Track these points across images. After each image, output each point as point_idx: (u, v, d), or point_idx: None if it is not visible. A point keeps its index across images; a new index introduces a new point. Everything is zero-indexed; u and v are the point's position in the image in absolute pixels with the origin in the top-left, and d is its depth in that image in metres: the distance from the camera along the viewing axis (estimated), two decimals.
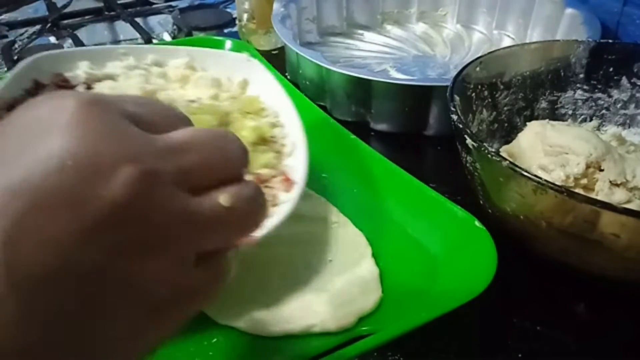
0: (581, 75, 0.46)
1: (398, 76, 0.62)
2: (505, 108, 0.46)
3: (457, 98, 0.38)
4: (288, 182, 0.34)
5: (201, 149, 0.19)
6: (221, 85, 0.43)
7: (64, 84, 0.40)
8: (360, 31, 0.73)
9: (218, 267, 0.20)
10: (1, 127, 0.17)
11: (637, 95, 0.46)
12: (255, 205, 0.20)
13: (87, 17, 0.82)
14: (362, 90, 0.52)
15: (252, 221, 0.20)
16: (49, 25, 0.77)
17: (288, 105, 0.41)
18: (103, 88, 0.40)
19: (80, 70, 0.42)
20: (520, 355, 0.32)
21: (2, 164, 0.16)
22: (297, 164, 0.36)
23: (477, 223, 0.36)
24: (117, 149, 0.16)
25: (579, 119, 0.48)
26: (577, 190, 0.36)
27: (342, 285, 0.35)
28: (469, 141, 0.34)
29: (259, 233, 0.22)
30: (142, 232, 0.16)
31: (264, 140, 0.38)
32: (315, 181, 0.45)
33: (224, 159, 0.19)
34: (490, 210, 0.37)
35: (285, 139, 0.39)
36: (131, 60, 0.43)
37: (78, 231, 0.15)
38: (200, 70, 0.43)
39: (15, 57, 0.68)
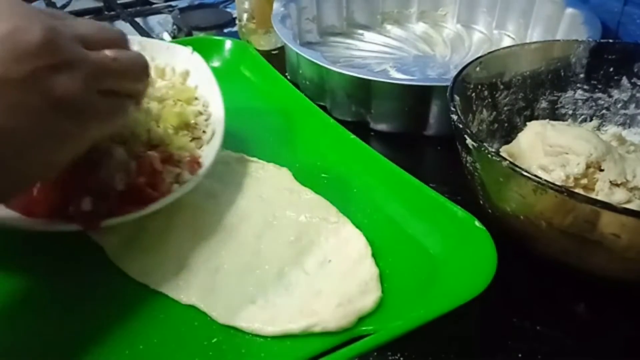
0: (581, 75, 0.46)
1: (398, 76, 0.62)
2: (505, 108, 0.46)
3: (457, 98, 0.38)
4: (195, 165, 0.40)
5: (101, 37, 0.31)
6: (165, 74, 0.48)
7: None
8: (360, 31, 0.73)
9: (115, 102, 0.31)
10: None
11: (638, 95, 0.46)
12: (136, 59, 0.32)
13: (86, 17, 0.82)
14: (362, 90, 0.52)
15: (135, 70, 0.32)
16: None
17: (218, 98, 0.46)
18: None
19: None
20: (520, 355, 0.32)
21: None
22: (208, 153, 0.41)
23: (477, 223, 0.36)
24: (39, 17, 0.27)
25: (579, 119, 0.48)
26: (577, 191, 0.36)
27: (341, 285, 0.35)
28: (469, 141, 0.34)
29: (159, 205, 0.35)
30: (51, 60, 0.27)
31: (186, 126, 0.43)
32: (316, 181, 0.45)
33: (114, 40, 0.32)
34: (490, 210, 0.37)
35: (207, 127, 0.44)
36: None
37: (11, 59, 0.25)
38: (149, 59, 0.45)
39: None
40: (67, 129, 0.28)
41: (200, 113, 0.45)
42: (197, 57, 0.49)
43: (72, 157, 0.30)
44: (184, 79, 0.48)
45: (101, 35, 0.31)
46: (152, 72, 0.43)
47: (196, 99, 0.46)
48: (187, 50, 0.50)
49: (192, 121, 0.43)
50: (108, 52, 0.30)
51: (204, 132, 0.44)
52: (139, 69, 0.33)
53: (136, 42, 0.49)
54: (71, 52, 0.28)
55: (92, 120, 0.30)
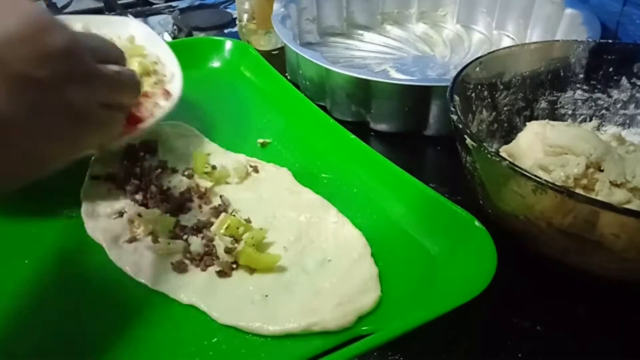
0: (581, 76, 0.46)
1: (398, 76, 0.62)
2: (505, 108, 0.46)
3: (456, 98, 0.38)
4: (167, 95, 0.48)
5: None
6: (114, 41, 0.52)
7: None
8: (360, 31, 0.73)
9: (113, 114, 0.34)
10: None
11: (637, 95, 0.46)
12: (132, 76, 0.35)
13: None
14: (362, 90, 0.52)
15: (132, 86, 0.35)
16: None
17: (167, 50, 0.54)
18: None
19: None
20: (520, 355, 0.32)
21: None
22: (174, 86, 0.49)
23: (477, 223, 0.36)
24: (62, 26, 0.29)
25: (579, 119, 0.48)
26: (577, 191, 0.36)
27: (341, 285, 0.35)
28: (468, 141, 0.34)
29: (147, 124, 0.44)
30: (70, 68, 0.29)
31: (148, 73, 0.51)
32: (316, 181, 0.45)
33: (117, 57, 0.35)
34: (490, 210, 0.37)
35: (165, 72, 0.52)
36: None
37: (36, 58, 0.27)
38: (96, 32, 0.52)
39: None
40: (70, 133, 0.31)
41: (155, 63, 0.53)
42: (139, 23, 0.58)
43: (62, 161, 0.33)
44: (131, 42, 0.55)
45: (107, 50, 0.34)
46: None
47: (147, 54, 0.54)
48: (128, 18, 0.59)
49: (152, 69, 0.52)
50: (114, 67, 0.33)
51: (164, 75, 0.52)
52: (134, 85, 0.36)
53: (79, 20, 0.55)
54: (87, 64, 0.30)
55: (93, 129, 0.33)
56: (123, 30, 0.56)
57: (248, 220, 0.40)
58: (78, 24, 0.54)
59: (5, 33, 0.27)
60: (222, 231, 0.38)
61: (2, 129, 0.27)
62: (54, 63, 0.28)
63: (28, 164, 0.30)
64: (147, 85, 0.49)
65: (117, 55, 0.35)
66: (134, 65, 0.50)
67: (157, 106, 0.47)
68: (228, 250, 0.36)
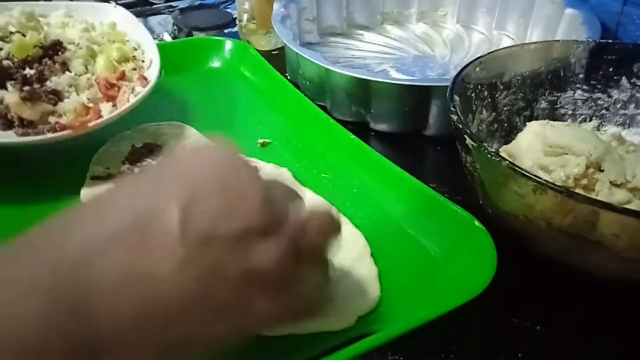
0: (581, 76, 0.46)
1: (398, 76, 0.62)
2: (505, 108, 0.46)
3: (456, 98, 0.38)
4: (144, 80, 0.49)
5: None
6: (94, 27, 0.55)
7: None
8: (360, 31, 0.73)
9: (313, 268, 0.26)
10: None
11: (637, 95, 0.46)
12: (329, 215, 0.27)
13: None
14: (362, 90, 0.52)
15: (330, 230, 0.27)
16: None
17: (148, 37, 0.55)
18: None
19: None
20: (520, 356, 0.32)
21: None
22: (152, 72, 0.50)
23: (477, 223, 0.36)
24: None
25: (579, 119, 0.48)
26: (577, 191, 0.36)
27: (341, 285, 0.35)
28: (468, 141, 0.34)
29: (122, 110, 0.45)
30: (263, 222, 0.23)
31: (127, 59, 0.52)
32: (316, 181, 0.45)
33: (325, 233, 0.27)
34: (490, 210, 0.37)
35: (144, 59, 0.53)
36: (16, 12, 0.52)
37: (235, 214, 0.22)
38: (76, 18, 0.56)
39: None
40: (258, 307, 0.23)
41: (135, 49, 0.54)
42: (121, 10, 0.58)
43: (243, 337, 0.25)
44: (112, 28, 0.56)
45: (293, 196, 0.27)
46: (84, 27, 0.54)
47: (128, 41, 0.55)
48: (110, 5, 0.59)
49: (132, 55, 0.53)
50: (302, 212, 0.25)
51: (143, 61, 0.53)
52: (331, 227, 0.27)
53: (62, 6, 0.56)
54: (281, 215, 0.24)
55: (291, 294, 0.24)
56: (105, 17, 0.57)
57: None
58: (61, 10, 0.55)
59: (197, 182, 0.22)
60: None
61: (176, 305, 0.21)
62: (244, 216, 0.22)
63: (187, 342, 0.22)
64: (125, 70, 0.50)
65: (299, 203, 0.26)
66: (112, 47, 0.52)
67: (133, 92, 0.48)
68: None
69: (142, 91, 0.48)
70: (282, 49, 0.65)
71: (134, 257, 0.21)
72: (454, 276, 0.35)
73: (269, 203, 0.23)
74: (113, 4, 0.59)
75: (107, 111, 0.45)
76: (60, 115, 0.45)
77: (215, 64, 0.64)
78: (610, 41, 0.46)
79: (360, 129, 0.51)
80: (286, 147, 0.50)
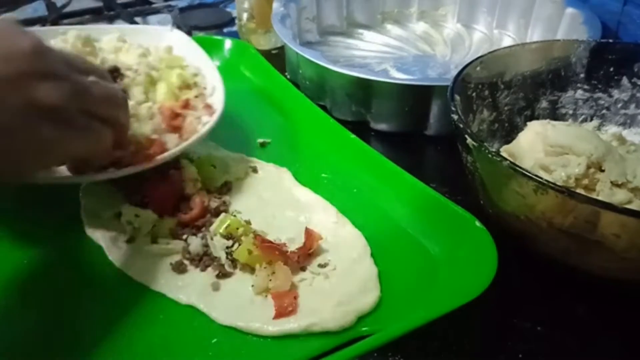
0: (582, 75, 0.46)
1: (398, 76, 0.62)
2: (505, 108, 0.46)
3: (457, 98, 0.38)
4: (209, 108, 0.46)
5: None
6: (149, 52, 0.52)
7: None
8: (361, 31, 0.73)
9: (93, 123, 0.33)
10: None
11: (638, 95, 0.46)
12: (114, 91, 0.35)
13: (86, 16, 0.82)
14: (362, 90, 0.52)
15: (112, 99, 0.35)
16: (48, 25, 0.77)
17: (207, 61, 0.52)
18: None
19: None
20: (520, 356, 0.32)
21: None
22: (216, 100, 0.47)
23: (477, 223, 0.36)
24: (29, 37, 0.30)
25: (580, 119, 0.48)
26: (578, 191, 0.36)
27: (341, 285, 0.35)
28: (469, 141, 0.34)
29: (191, 141, 0.42)
30: (36, 67, 0.29)
31: (188, 86, 0.48)
32: (316, 181, 0.45)
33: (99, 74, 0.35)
34: (490, 210, 0.37)
35: (206, 85, 0.50)
36: (71, 37, 0.49)
37: (1, 56, 0.28)
38: (130, 42, 0.53)
39: None
40: (45, 134, 0.30)
41: (195, 75, 0.50)
42: (178, 33, 0.55)
43: (45, 166, 0.33)
44: (168, 52, 0.53)
45: (87, 64, 0.35)
46: (138, 52, 0.50)
47: (187, 66, 0.51)
48: (166, 28, 0.56)
49: (193, 81, 0.49)
50: (90, 77, 0.33)
51: (204, 88, 0.49)
52: (116, 98, 0.35)
53: (115, 30, 0.54)
54: (57, 67, 0.31)
55: (70, 132, 0.32)
56: (160, 40, 0.53)
57: (248, 222, 0.39)
58: (114, 34, 0.52)
59: None
60: (220, 231, 0.37)
61: None
62: (19, 62, 0.28)
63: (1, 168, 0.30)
64: (186, 97, 0.47)
65: (99, 71, 0.35)
66: (171, 73, 0.48)
67: (200, 122, 0.44)
68: (227, 251, 0.36)
69: (209, 120, 0.44)
70: (281, 48, 0.65)
71: None
72: (454, 276, 0.35)
73: (42, 55, 0.30)
74: (170, 27, 0.57)
75: (173, 143, 0.42)
76: (121, 146, 0.39)
77: (215, 63, 0.64)
78: (610, 41, 0.46)
79: (360, 129, 0.51)
80: (286, 147, 0.50)
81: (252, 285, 0.35)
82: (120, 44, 0.51)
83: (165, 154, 0.40)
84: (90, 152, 0.35)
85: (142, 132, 0.41)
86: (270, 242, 0.37)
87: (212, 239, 0.37)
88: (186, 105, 0.46)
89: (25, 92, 0.29)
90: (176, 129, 0.43)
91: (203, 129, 0.43)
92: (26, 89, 0.29)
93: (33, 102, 0.29)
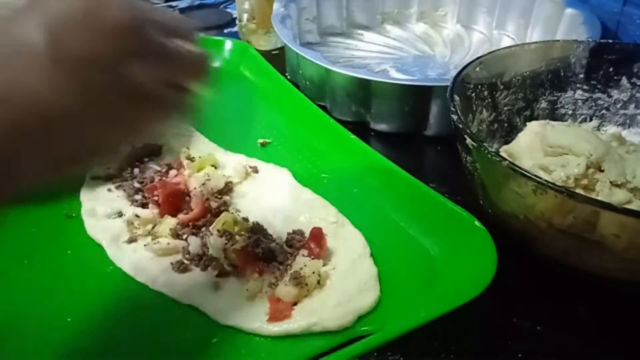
0: (581, 76, 0.46)
1: (398, 76, 0.62)
2: (505, 108, 0.46)
3: (457, 98, 0.38)
4: None
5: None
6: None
7: None
8: (360, 31, 0.73)
9: (177, 96, 0.30)
10: None
11: (637, 95, 0.46)
12: (201, 56, 0.32)
13: None
14: (362, 90, 0.52)
15: (199, 66, 0.31)
16: None
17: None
18: None
19: None
20: (520, 356, 0.32)
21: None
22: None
23: (477, 223, 0.36)
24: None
25: (579, 119, 0.48)
26: (577, 191, 0.36)
27: (340, 285, 0.35)
28: (468, 141, 0.34)
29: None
30: (132, 45, 0.26)
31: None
32: (316, 181, 0.45)
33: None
34: (490, 210, 0.37)
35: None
36: None
37: (92, 36, 0.25)
38: None
39: None
40: (129, 115, 0.28)
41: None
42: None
43: (118, 147, 0.30)
44: None
45: (176, 25, 0.30)
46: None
47: None
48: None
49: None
50: (184, 44, 0.30)
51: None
52: (203, 66, 0.32)
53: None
54: (151, 40, 0.27)
55: (154, 111, 0.29)
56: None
57: (245, 219, 0.39)
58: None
59: (58, 11, 0.24)
60: (218, 227, 0.37)
61: (56, 118, 0.25)
62: (112, 40, 0.25)
63: (80, 151, 0.27)
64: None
65: (186, 31, 0.31)
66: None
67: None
68: (223, 250, 0.36)
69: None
70: (282, 49, 0.65)
71: None
72: (454, 276, 0.35)
73: (137, 31, 0.26)
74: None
75: None
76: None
77: (215, 64, 0.64)
78: (610, 41, 0.46)
79: (360, 129, 0.51)
80: (286, 147, 0.50)
81: (247, 290, 0.35)
82: None
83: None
84: (165, 122, 0.32)
85: None
86: (255, 254, 0.37)
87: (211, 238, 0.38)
88: None
89: (122, 74, 0.26)
90: None
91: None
92: (123, 71, 0.26)
93: (126, 84, 0.26)
